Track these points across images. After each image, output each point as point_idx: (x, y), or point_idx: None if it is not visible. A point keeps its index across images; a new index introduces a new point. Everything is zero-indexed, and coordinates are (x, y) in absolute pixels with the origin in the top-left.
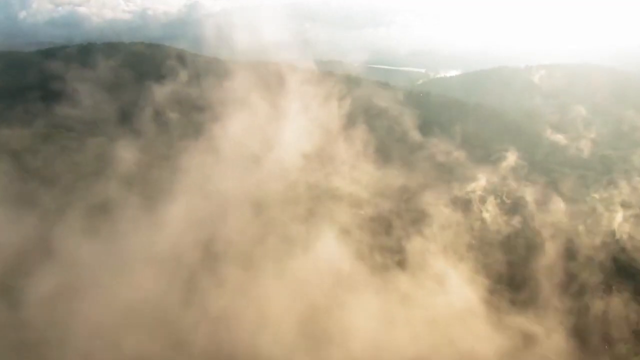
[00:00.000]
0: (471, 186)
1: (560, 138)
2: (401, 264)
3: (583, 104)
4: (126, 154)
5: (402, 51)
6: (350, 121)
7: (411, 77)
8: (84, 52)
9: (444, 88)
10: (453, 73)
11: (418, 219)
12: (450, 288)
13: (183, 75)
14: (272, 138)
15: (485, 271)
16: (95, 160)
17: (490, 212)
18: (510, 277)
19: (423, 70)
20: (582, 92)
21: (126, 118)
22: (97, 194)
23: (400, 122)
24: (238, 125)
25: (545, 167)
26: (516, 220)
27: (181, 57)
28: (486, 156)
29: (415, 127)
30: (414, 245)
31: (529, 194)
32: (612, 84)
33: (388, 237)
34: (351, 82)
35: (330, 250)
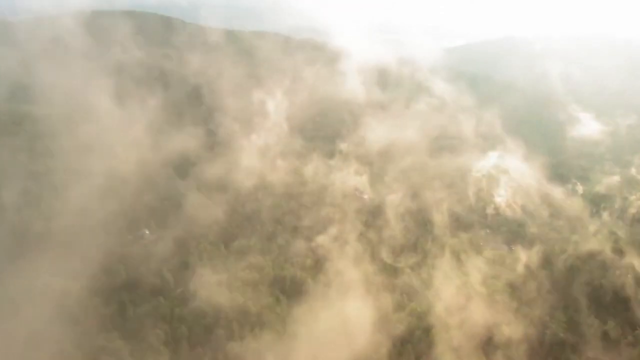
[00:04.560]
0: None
1: (586, 116)
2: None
3: (599, 76)
4: None
5: (402, 22)
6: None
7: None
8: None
9: (448, 59)
10: (456, 43)
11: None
12: None
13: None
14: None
15: None
16: None
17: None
18: None
19: None
20: (597, 63)
21: None
22: None
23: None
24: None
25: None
26: None
27: (170, 26)
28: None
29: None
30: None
31: None
32: (625, 54)
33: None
34: (345, 54)
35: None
